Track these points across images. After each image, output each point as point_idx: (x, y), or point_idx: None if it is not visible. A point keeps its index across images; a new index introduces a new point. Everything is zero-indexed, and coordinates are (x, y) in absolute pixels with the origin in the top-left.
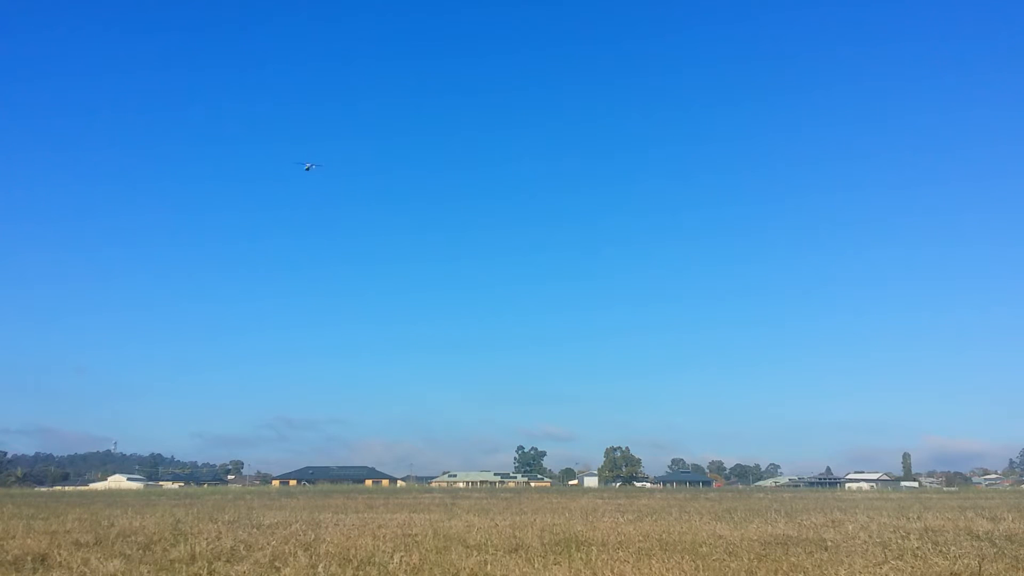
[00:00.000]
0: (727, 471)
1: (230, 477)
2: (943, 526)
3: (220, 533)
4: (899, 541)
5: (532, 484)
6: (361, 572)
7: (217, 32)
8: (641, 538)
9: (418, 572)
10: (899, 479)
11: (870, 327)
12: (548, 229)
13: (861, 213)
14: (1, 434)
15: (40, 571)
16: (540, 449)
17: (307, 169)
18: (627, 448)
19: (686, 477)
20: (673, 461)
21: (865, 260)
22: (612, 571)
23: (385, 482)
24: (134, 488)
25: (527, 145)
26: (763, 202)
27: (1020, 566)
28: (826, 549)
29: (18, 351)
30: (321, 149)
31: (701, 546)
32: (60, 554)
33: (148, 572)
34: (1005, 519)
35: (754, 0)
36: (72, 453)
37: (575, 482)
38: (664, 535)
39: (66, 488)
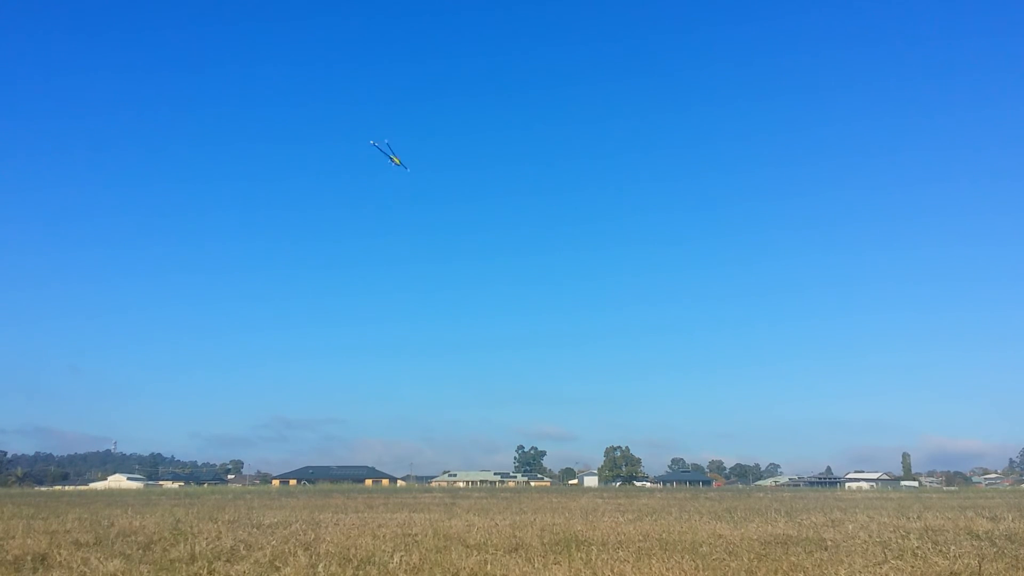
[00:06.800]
0: (727, 471)
1: (230, 477)
2: (943, 526)
3: (220, 533)
4: (899, 540)
5: (532, 484)
6: (361, 572)
7: (216, 31)
8: (641, 538)
9: (418, 572)
10: (899, 479)
11: (870, 327)
12: (548, 229)
13: (860, 213)
14: (1, 434)
15: (40, 571)
16: (540, 449)
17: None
18: (627, 448)
19: (686, 477)
20: (673, 461)
21: (865, 260)
22: (612, 571)
23: (385, 481)
24: (134, 488)
25: (526, 145)
26: (762, 202)
27: (1020, 565)
28: (826, 548)
29: (18, 351)
30: (318, 150)
31: (701, 546)
32: (60, 554)
33: (148, 572)
34: (1005, 519)
35: (756, 0)
36: (72, 453)
37: (575, 482)
38: (664, 535)
39: (66, 488)
